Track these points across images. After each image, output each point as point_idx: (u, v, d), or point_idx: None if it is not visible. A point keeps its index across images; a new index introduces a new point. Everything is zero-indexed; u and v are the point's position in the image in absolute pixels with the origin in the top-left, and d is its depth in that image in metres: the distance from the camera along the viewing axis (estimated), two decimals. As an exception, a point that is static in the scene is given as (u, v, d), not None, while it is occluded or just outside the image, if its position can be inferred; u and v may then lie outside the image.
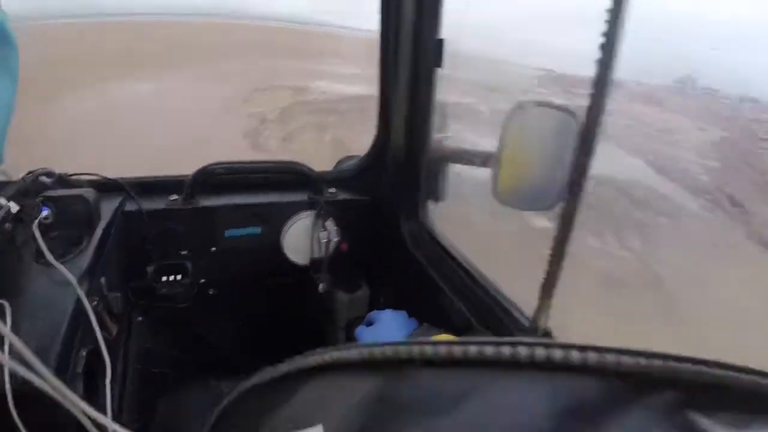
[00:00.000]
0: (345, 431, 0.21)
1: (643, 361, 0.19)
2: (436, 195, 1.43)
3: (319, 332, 1.73)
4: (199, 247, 1.45)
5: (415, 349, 0.21)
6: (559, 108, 1.02)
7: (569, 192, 0.89)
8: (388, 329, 1.15)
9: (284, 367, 0.27)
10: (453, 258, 1.31)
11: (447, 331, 1.13)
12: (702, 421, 0.18)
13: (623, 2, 0.67)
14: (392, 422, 0.20)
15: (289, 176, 1.53)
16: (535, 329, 1.00)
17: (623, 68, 0.70)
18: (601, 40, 0.71)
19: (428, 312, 1.29)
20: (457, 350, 0.21)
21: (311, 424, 0.22)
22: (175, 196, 1.42)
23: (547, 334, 1.00)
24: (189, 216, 1.41)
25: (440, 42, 1.27)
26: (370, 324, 1.21)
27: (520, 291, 1.11)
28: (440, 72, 1.32)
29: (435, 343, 0.21)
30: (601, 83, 0.73)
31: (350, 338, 1.65)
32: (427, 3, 1.25)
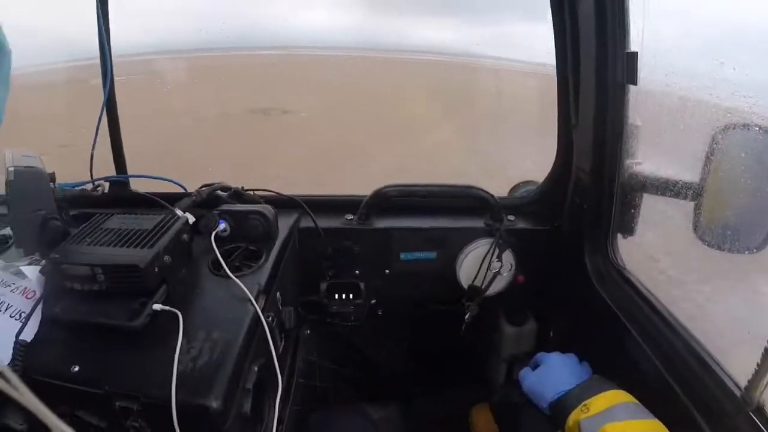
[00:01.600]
0: None
1: None
2: (627, 228, 1.26)
3: (482, 364, 1.67)
4: (373, 268, 1.47)
5: None
6: (770, 130, 0.84)
7: None
8: (555, 375, 1.06)
9: None
10: (646, 301, 1.14)
11: (628, 384, 0.99)
12: None
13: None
14: None
15: (465, 201, 1.48)
16: (747, 401, 0.82)
17: None
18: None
19: (606, 358, 1.15)
20: None
21: None
22: (350, 216, 1.46)
23: (760, 410, 0.81)
24: (364, 236, 1.44)
25: (633, 55, 1.12)
26: (535, 366, 1.13)
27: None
28: (633, 90, 1.18)
29: None
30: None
31: (510, 374, 1.56)
32: (611, 11, 1.11)
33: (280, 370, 0.96)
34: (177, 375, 0.75)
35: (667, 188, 1.09)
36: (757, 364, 0.78)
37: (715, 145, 0.91)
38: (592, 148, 1.27)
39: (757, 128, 0.84)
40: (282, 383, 0.95)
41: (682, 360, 0.97)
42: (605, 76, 1.18)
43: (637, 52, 1.12)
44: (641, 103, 1.16)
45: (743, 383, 0.83)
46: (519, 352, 1.54)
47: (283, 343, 1.15)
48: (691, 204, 1.00)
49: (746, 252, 0.88)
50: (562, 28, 1.28)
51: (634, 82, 1.14)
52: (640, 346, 1.07)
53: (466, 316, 1.43)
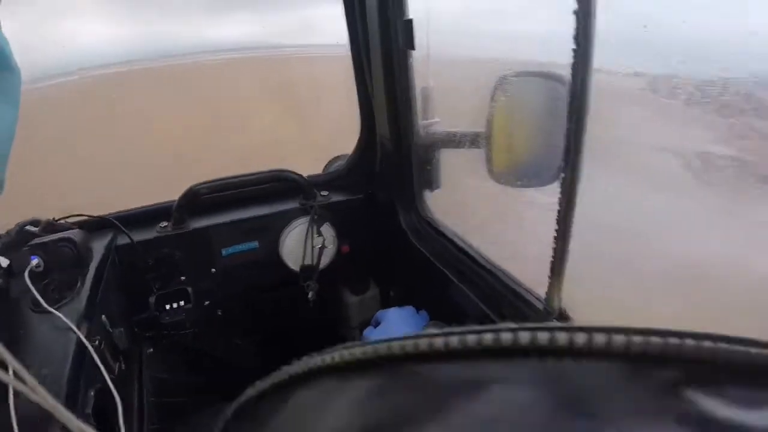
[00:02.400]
0: None
1: (639, 339, 0.17)
2: (430, 184, 1.37)
3: (335, 337, 1.70)
4: (197, 271, 1.42)
5: (409, 344, 0.20)
6: (544, 75, 0.97)
7: (565, 161, 0.84)
8: (396, 327, 1.10)
9: (273, 378, 0.27)
10: (458, 247, 1.26)
11: (460, 323, 1.08)
12: (703, 399, 0.16)
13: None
14: (390, 423, 0.18)
15: (278, 185, 1.49)
16: (550, 311, 0.95)
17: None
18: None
19: (439, 305, 1.25)
20: (454, 341, 0.19)
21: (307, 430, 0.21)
22: (164, 223, 1.39)
23: (562, 315, 0.95)
24: (182, 240, 1.38)
25: (409, 22, 1.20)
26: (377, 324, 1.16)
27: (531, 272, 1.06)
28: (423, 54, 1.26)
29: (431, 335, 0.20)
30: (585, 38, 0.68)
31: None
32: None
33: (126, 392, 0.95)
34: (17, 420, 0.69)
35: (459, 141, 1.20)
36: (549, 277, 0.91)
37: (495, 95, 1.02)
38: (387, 114, 1.35)
39: (531, 75, 0.97)
40: (119, 403, 0.92)
41: (498, 293, 1.10)
42: (389, 45, 1.25)
43: (412, 19, 1.21)
44: (435, 65, 1.25)
45: (543, 296, 0.97)
46: (367, 317, 1.59)
47: (121, 365, 1.10)
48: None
49: (538, 186, 1.01)
50: (351, 3, 1.33)
51: (413, 47, 1.23)
52: (460, 288, 1.19)
53: (309, 295, 1.46)
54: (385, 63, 1.27)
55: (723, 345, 0.17)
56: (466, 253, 1.23)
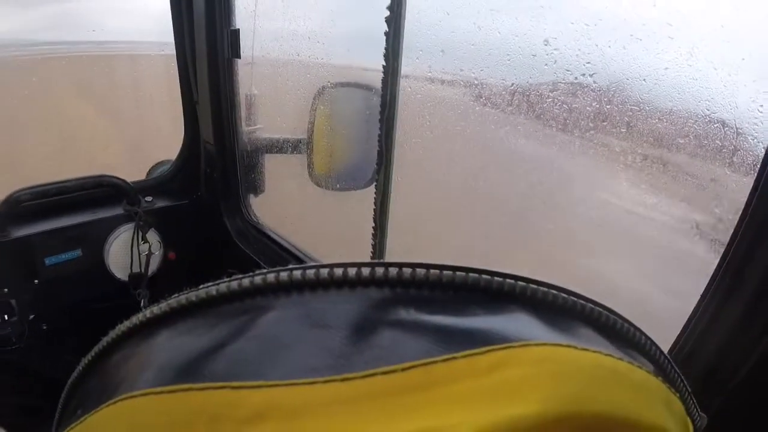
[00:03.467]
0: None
1: (353, 269, 0.22)
2: (255, 188, 1.42)
3: None
4: (20, 282, 1.30)
5: (212, 289, 0.23)
6: (359, 86, 1.09)
7: (378, 163, 0.95)
8: None
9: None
10: (282, 248, 1.33)
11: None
12: (407, 311, 0.21)
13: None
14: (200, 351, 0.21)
15: (102, 190, 1.40)
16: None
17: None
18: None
19: None
20: (246, 281, 0.23)
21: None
22: None
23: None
24: (3, 250, 1.26)
25: (236, 32, 1.25)
26: None
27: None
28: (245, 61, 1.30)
29: (229, 280, 0.23)
30: (393, 52, 0.79)
31: None
32: None
33: None
34: None
35: (283, 146, 1.27)
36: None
37: (315, 104, 1.11)
38: (212, 120, 1.37)
39: (346, 85, 1.08)
40: None
41: None
42: (215, 52, 1.28)
43: (239, 29, 1.26)
44: (258, 73, 1.30)
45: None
46: None
47: None
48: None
49: (355, 189, 1.11)
50: (178, 8, 1.32)
51: (238, 56, 1.28)
52: None
53: (142, 303, 1.41)
54: (211, 70, 1.30)
55: (420, 270, 0.21)
56: (290, 253, 1.30)
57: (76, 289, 1.40)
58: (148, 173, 1.63)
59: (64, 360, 1.49)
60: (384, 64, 0.81)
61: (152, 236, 1.41)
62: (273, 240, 1.36)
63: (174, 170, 1.56)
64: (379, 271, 0.22)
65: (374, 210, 0.97)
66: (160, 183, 1.55)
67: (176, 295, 0.25)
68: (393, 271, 0.22)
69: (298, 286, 0.22)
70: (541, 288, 0.22)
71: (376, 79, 0.87)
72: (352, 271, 0.22)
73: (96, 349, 0.29)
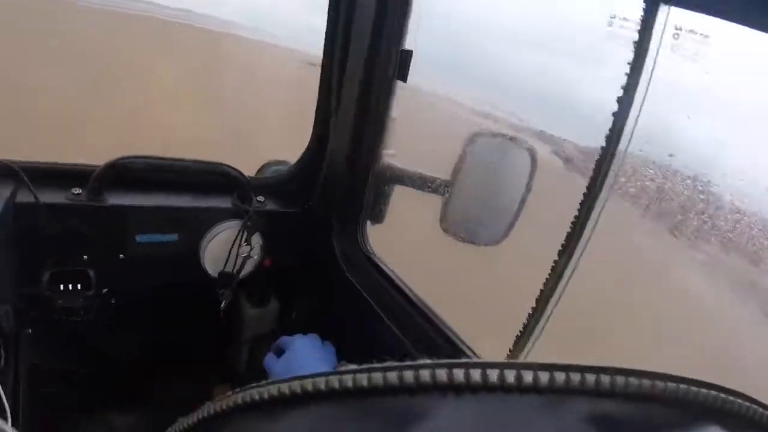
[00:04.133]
0: None
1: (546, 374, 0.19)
2: (377, 216, 1.34)
3: (221, 347, 1.58)
4: (104, 252, 1.24)
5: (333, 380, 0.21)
6: (516, 142, 0.99)
7: (565, 244, 0.85)
8: (302, 359, 1.02)
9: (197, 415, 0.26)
10: (395, 286, 1.23)
11: (377, 360, 1.04)
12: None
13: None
14: None
15: (212, 178, 1.35)
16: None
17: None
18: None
19: (352, 338, 1.20)
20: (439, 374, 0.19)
21: None
22: (78, 190, 1.18)
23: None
24: (95, 215, 1.19)
25: (407, 53, 1.16)
26: (279, 351, 1.08)
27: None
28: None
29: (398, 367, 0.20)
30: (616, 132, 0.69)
31: (254, 358, 1.50)
32: (390, 7, 1.13)
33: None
34: None
35: (421, 182, 1.18)
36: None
37: (466, 148, 1.02)
38: (350, 136, 1.28)
39: (503, 137, 0.98)
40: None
41: (426, 336, 1.08)
42: (373, 71, 1.19)
43: (411, 51, 1.16)
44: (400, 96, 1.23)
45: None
46: (260, 333, 1.48)
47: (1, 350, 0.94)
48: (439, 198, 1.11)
49: (485, 245, 1.02)
50: (335, 18, 1.25)
51: (404, 79, 1.18)
52: (386, 325, 1.15)
53: (222, 305, 1.32)
54: (364, 87, 1.21)
55: (621, 378, 0.18)
56: (400, 291, 1.20)
57: (160, 273, 1.33)
58: (259, 171, 1.57)
59: (126, 339, 1.46)
60: (603, 145, 0.70)
61: (255, 240, 1.33)
62: (385, 275, 1.25)
63: (291, 174, 1.50)
64: (573, 379, 0.18)
65: (541, 290, 0.87)
66: (273, 183, 1.48)
67: (309, 375, 0.22)
68: (606, 379, 0.18)
69: (474, 389, 0.19)
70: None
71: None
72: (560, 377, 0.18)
73: (202, 413, 0.26)
